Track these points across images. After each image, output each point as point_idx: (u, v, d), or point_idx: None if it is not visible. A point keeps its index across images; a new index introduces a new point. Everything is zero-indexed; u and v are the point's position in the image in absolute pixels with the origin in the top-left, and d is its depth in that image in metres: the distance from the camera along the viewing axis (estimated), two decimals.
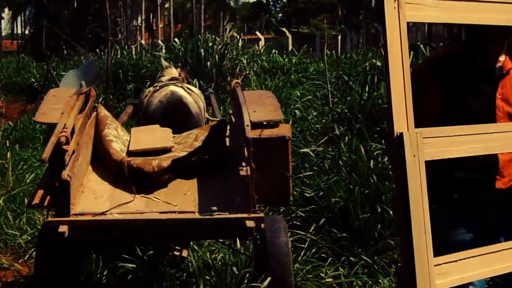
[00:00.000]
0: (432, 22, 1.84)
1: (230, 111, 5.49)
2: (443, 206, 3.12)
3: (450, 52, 3.30)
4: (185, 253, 4.76)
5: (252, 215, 4.00)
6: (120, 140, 4.73)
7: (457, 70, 3.12)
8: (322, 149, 7.40)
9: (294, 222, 6.10)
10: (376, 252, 5.57)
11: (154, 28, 45.63)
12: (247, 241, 5.08)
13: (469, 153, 1.89)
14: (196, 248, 5.52)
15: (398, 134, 1.73)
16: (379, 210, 5.74)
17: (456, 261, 1.83)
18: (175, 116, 5.70)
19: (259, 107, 4.46)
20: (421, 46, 10.87)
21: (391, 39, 1.71)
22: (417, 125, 2.28)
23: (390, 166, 6.03)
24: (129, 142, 4.80)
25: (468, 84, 3.09)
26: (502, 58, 3.16)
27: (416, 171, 1.72)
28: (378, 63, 8.59)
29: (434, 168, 3.15)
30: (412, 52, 9.62)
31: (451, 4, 1.87)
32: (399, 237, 1.76)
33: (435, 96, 3.10)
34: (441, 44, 12.24)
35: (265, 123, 4.35)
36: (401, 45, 1.72)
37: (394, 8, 1.73)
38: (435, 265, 1.76)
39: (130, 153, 4.58)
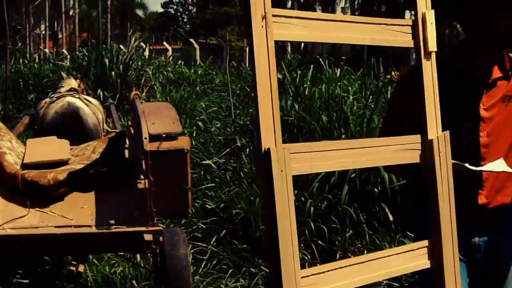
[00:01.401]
0: (299, 40, 1.90)
1: (130, 123, 5.47)
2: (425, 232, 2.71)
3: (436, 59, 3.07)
4: (81, 267, 4.70)
5: (150, 228, 3.99)
6: (14, 152, 4.62)
7: (441, 78, 2.71)
8: (224, 160, 7.46)
9: (195, 234, 6.12)
10: None
11: (60, 36, 44.74)
12: (148, 254, 5.06)
13: (338, 168, 1.96)
14: (96, 262, 5.45)
15: (266, 149, 1.77)
16: None
17: (324, 272, 1.88)
18: (72, 127, 5.63)
19: (157, 119, 4.45)
20: (321, 59, 11.07)
21: (258, 57, 1.75)
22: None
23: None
24: (24, 154, 4.71)
25: (452, 94, 2.81)
26: (490, 68, 2.87)
27: (283, 186, 1.77)
28: (279, 76, 8.73)
29: (416, 188, 2.80)
30: (312, 66, 9.82)
31: (318, 24, 1.92)
32: (267, 250, 1.80)
33: (415, 106, 2.72)
34: (343, 57, 12.50)
35: (163, 135, 4.33)
36: (269, 62, 1.76)
37: (262, 26, 1.77)
38: (302, 277, 1.80)
39: (24, 166, 4.48)
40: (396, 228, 5.95)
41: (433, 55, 2.16)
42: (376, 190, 6.16)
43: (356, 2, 44.10)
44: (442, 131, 2.41)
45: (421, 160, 2.13)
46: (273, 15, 1.81)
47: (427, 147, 2.14)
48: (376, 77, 10.50)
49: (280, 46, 13.90)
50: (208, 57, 22.01)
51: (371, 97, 7.84)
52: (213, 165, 7.34)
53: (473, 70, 2.85)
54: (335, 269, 1.90)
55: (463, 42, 2.93)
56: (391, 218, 5.95)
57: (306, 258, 5.55)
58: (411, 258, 2.13)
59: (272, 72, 1.74)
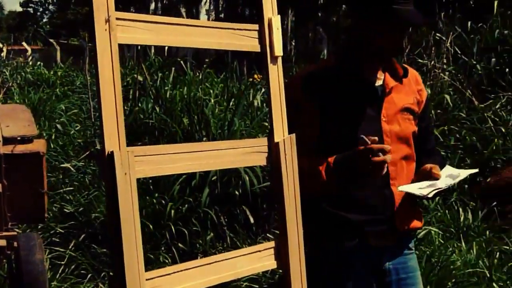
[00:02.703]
0: (145, 44, 1.91)
1: None
2: (335, 267, 2.70)
3: (325, 67, 2.81)
4: None
5: (4, 233, 3.90)
6: None
7: (334, 89, 2.68)
8: (83, 164, 7.36)
9: (53, 238, 6.00)
10: None
11: None
12: (2, 260, 4.92)
13: (184, 170, 1.98)
14: None
15: (109, 152, 1.78)
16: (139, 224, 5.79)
17: (169, 274, 1.88)
18: None
19: (12, 121, 4.35)
20: (182, 62, 11.09)
21: (101, 60, 1.76)
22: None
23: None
24: None
25: (349, 106, 2.67)
26: (381, 76, 2.75)
27: (127, 189, 1.77)
28: (140, 78, 8.68)
29: (321, 214, 2.66)
30: (173, 68, 9.83)
31: (164, 28, 1.95)
32: (111, 254, 1.81)
33: (313, 119, 2.65)
34: (207, 60, 12.55)
35: (18, 138, 4.24)
36: (112, 66, 1.76)
37: (106, 30, 1.77)
38: (147, 279, 1.81)
39: None
40: (257, 231, 6.06)
41: (279, 60, 2.21)
42: (237, 192, 6.24)
43: (220, 5, 44.43)
44: (351, 145, 2.48)
45: (268, 162, 2.18)
46: (117, 19, 1.82)
47: (273, 149, 2.18)
48: (239, 79, 10.66)
49: (143, 48, 13.78)
50: (70, 58, 21.48)
51: (232, 100, 7.94)
52: (72, 169, 7.22)
53: (371, 78, 2.74)
54: (181, 270, 1.92)
55: (345, 49, 2.82)
56: (252, 220, 6.05)
57: (167, 261, 5.56)
58: (258, 259, 2.17)
59: (116, 76, 1.74)
